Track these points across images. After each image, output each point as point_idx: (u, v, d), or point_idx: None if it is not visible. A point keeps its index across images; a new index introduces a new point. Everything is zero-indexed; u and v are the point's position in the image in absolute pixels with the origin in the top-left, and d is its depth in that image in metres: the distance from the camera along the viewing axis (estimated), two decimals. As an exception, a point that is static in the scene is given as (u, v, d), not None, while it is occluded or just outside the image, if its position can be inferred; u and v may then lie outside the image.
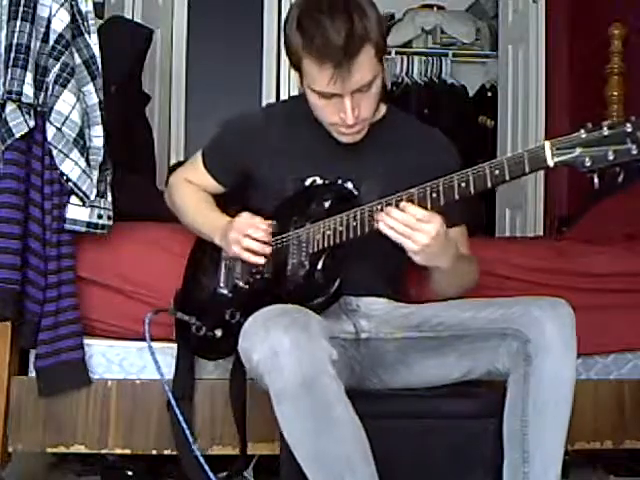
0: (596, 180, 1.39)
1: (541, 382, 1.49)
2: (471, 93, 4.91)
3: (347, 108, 1.58)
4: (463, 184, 1.46)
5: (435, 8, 4.96)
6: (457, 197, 1.47)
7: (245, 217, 1.68)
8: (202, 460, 1.74)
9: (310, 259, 1.63)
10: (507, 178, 1.43)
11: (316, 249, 1.62)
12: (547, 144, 1.40)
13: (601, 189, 2.74)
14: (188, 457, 1.80)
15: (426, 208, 1.49)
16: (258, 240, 1.64)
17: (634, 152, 1.34)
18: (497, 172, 1.44)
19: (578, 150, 1.37)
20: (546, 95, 4.02)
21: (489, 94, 4.79)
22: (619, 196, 2.68)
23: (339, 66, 1.51)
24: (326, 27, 1.50)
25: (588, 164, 1.37)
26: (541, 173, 3.94)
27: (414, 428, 1.59)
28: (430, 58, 4.85)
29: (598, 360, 2.12)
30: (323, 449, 1.38)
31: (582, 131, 1.38)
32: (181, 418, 1.79)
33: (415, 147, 1.77)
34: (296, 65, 1.61)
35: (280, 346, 1.34)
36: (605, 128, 1.36)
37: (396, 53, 4.83)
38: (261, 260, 1.65)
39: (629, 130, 1.34)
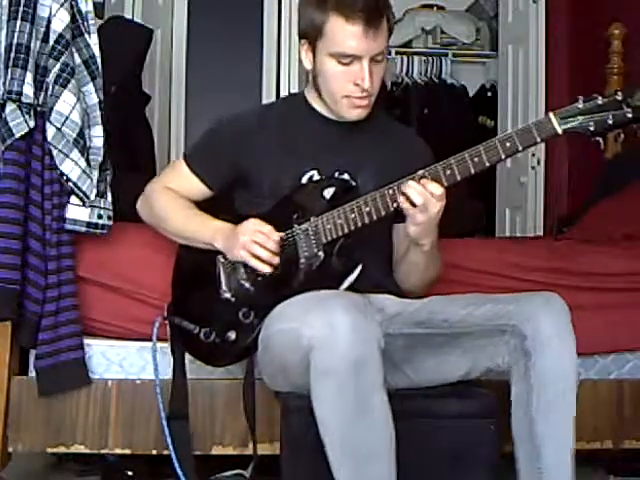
0: (601, 140, 1.51)
1: (544, 376, 1.51)
2: (471, 93, 4.92)
3: (365, 70, 1.65)
4: (476, 159, 1.53)
5: (435, 8, 4.97)
6: (473, 172, 1.53)
7: (255, 223, 1.66)
8: None
9: (324, 249, 1.65)
10: (520, 148, 1.52)
11: (329, 238, 1.64)
12: (551, 114, 1.52)
13: (608, 181, 2.79)
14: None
15: (442, 185, 1.55)
16: (268, 249, 1.63)
17: (630, 115, 1.49)
18: (508, 144, 1.52)
19: (580, 118, 1.51)
20: (546, 95, 4.02)
21: (489, 94, 4.80)
22: (619, 196, 2.68)
23: (369, 22, 1.62)
24: None
25: (592, 129, 1.50)
26: (541, 172, 3.95)
27: (414, 428, 1.58)
28: (430, 58, 4.85)
29: (598, 360, 2.12)
30: (355, 431, 1.40)
31: (580, 101, 1.52)
32: (169, 441, 1.80)
33: (400, 142, 1.83)
34: (315, 34, 1.66)
35: (340, 324, 1.37)
36: (599, 98, 1.51)
37: (396, 53, 4.82)
38: (267, 269, 1.64)
39: (620, 98, 1.50)
